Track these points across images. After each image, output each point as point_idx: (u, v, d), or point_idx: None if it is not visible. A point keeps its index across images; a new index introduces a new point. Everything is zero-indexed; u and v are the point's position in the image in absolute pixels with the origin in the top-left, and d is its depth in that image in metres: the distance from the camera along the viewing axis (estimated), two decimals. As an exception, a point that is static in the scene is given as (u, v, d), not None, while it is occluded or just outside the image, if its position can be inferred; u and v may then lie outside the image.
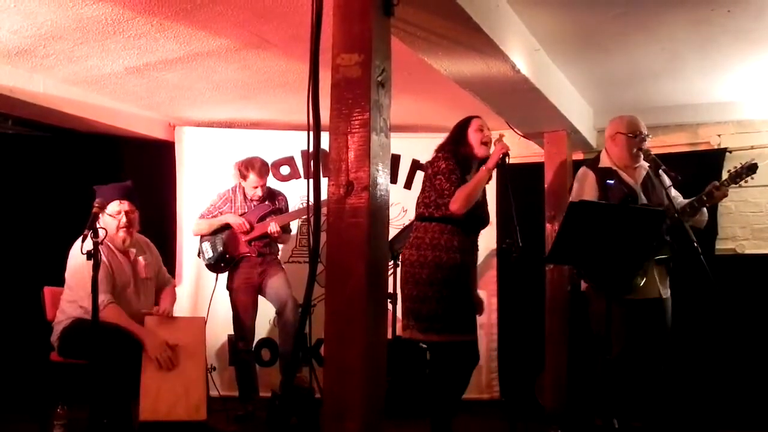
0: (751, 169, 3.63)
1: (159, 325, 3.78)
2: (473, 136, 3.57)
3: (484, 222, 3.66)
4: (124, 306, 3.78)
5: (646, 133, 3.82)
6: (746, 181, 3.67)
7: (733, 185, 3.68)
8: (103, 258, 3.26)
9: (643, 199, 3.75)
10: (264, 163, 4.80)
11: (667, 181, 3.77)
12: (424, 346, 4.82)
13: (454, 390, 3.58)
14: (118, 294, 3.82)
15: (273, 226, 4.67)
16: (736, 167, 3.68)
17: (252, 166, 4.73)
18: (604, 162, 3.89)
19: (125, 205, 3.87)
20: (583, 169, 3.94)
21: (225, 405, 4.51)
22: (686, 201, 3.79)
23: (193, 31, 3.72)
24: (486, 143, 3.57)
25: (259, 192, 4.77)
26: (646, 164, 3.76)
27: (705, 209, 3.81)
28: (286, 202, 5.00)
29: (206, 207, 4.88)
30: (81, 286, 3.70)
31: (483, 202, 3.62)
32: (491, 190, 3.92)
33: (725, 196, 3.70)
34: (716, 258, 4.83)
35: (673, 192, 3.84)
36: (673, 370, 3.88)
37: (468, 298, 3.51)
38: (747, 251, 5.02)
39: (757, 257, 4.96)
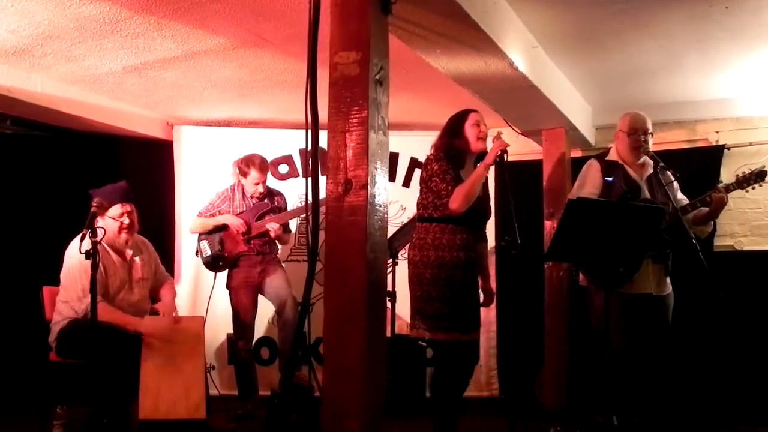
0: (759, 176, 3.62)
1: (158, 324, 3.78)
2: (470, 131, 3.53)
3: (486, 215, 3.65)
4: (118, 307, 3.78)
5: (647, 130, 3.82)
6: (753, 188, 3.67)
7: (739, 190, 3.68)
8: (98, 259, 3.26)
9: (647, 195, 3.77)
10: (264, 159, 4.80)
11: (671, 178, 3.79)
12: (424, 344, 4.85)
13: (458, 388, 3.57)
14: (113, 295, 3.82)
15: (272, 225, 4.66)
16: (744, 172, 3.67)
17: (252, 162, 4.72)
18: (612, 155, 3.94)
19: (127, 207, 3.87)
20: (590, 160, 3.99)
21: (225, 404, 4.51)
22: (685, 200, 3.81)
23: (191, 29, 3.72)
24: (482, 138, 3.54)
25: (260, 188, 4.77)
26: (660, 161, 3.76)
27: (712, 222, 3.82)
28: (285, 201, 5.00)
29: (205, 205, 4.87)
30: (71, 287, 3.72)
31: (484, 196, 3.60)
32: (491, 186, 3.91)
33: (723, 204, 3.66)
34: (715, 255, 4.82)
35: (680, 195, 3.87)
36: (673, 366, 3.89)
37: (473, 295, 3.49)
38: (745, 248, 5.02)
39: (756, 254, 4.96)
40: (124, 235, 3.87)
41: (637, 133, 3.82)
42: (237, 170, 4.87)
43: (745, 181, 3.66)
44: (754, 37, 3.83)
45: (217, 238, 4.73)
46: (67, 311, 3.75)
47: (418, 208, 3.58)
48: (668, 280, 3.84)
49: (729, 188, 3.67)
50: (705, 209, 3.72)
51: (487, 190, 3.67)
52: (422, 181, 3.54)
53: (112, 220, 3.83)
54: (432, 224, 3.46)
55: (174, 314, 4.08)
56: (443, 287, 3.37)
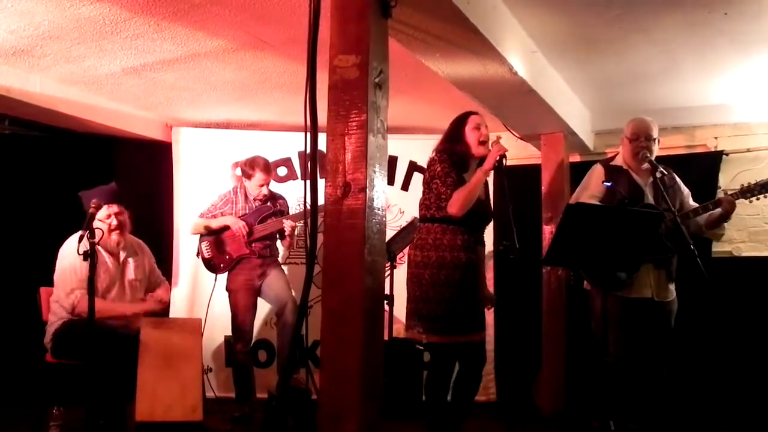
0: (764, 187, 3.63)
1: (156, 327, 3.78)
2: (470, 135, 3.51)
3: (487, 219, 3.64)
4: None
5: (649, 136, 3.83)
6: (758, 198, 3.68)
7: (743, 199, 3.69)
8: (95, 260, 3.26)
9: (650, 200, 3.78)
10: (267, 161, 4.80)
11: (674, 183, 3.85)
12: (421, 347, 4.84)
13: (467, 391, 3.56)
14: (101, 294, 3.81)
15: (289, 222, 4.68)
16: (750, 183, 3.68)
17: (256, 164, 4.72)
18: (617, 160, 3.96)
19: (114, 208, 3.88)
20: (595, 165, 4.02)
21: (221, 406, 4.50)
22: (692, 206, 3.83)
23: (191, 31, 3.72)
24: (484, 142, 3.53)
25: (264, 190, 4.77)
26: (659, 166, 3.77)
27: (725, 224, 3.83)
28: (287, 204, 4.99)
29: (206, 207, 4.86)
30: (60, 285, 3.74)
31: (485, 199, 3.60)
32: (490, 190, 3.92)
33: (734, 208, 3.69)
34: (713, 261, 4.83)
35: (690, 201, 3.91)
36: (672, 372, 3.88)
37: (473, 297, 3.46)
38: (744, 254, 5.02)
39: (754, 260, 4.97)
40: (114, 237, 3.88)
41: (638, 139, 3.83)
42: (240, 173, 4.87)
43: (749, 192, 3.66)
44: (753, 43, 3.84)
45: (218, 240, 4.73)
46: (60, 311, 3.76)
47: (420, 208, 3.57)
48: (672, 286, 3.84)
49: (733, 197, 3.69)
50: (716, 213, 3.72)
51: (488, 192, 3.66)
52: (425, 182, 3.53)
53: (100, 222, 3.83)
54: (434, 224, 3.45)
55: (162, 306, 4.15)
56: (441, 288, 3.36)
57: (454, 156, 3.49)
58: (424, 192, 3.53)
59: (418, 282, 3.43)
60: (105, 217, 3.85)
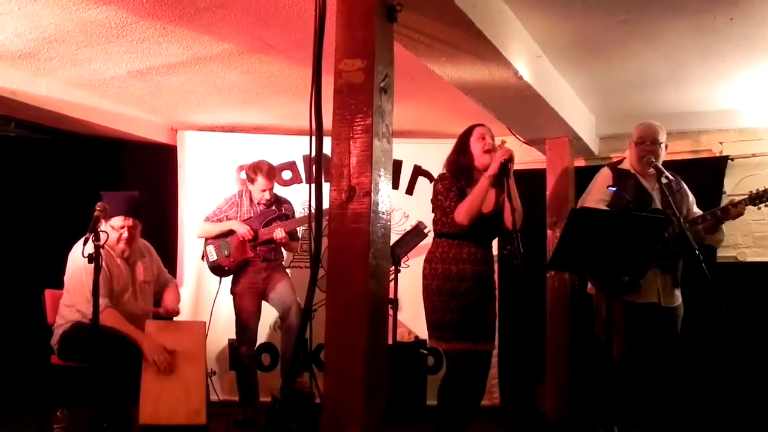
0: None
1: (160, 329, 3.78)
2: (474, 146, 3.57)
3: (495, 231, 3.63)
4: (123, 310, 3.78)
5: (655, 140, 3.82)
6: (766, 205, 3.67)
7: (752, 206, 3.69)
8: (102, 262, 3.26)
9: (658, 205, 3.78)
10: (271, 166, 4.81)
11: (679, 188, 3.86)
12: (425, 351, 4.86)
13: (469, 398, 3.57)
14: (116, 298, 3.82)
15: (279, 232, 4.67)
16: (758, 189, 3.68)
17: (260, 169, 4.73)
18: (625, 164, 3.97)
19: (129, 222, 3.86)
20: (602, 168, 4.03)
21: (225, 409, 4.50)
22: (699, 213, 3.82)
23: (196, 35, 3.73)
24: (488, 151, 3.54)
25: (267, 195, 4.78)
26: (665, 171, 3.76)
27: (723, 228, 3.83)
28: (292, 209, 5.00)
29: (212, 210, 4.87)
30: (79, 290, 3.71)
31: (496, 213, 3.58)
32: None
33: (741, 214, 3.70)
34: (718, 265, 4.81)
35: (695, 208, 3.92)
36: (677, 378, 3.87)
37: (482, 307, 3.50)
38: (748, 259, 5.01)
39: (759, 265, 4.95)
40: (121, 245, 3.88)
41: (644, 143, 3.83)
42: (244, 176, 4.89)
43: (758, 198, 3.67)
44: (759, 49, 3.84)
45: (224, 243, 4.74)
46: (71, 315, 3.75)
47: (431, 225, 3.68)
48: (677, 291, 3.84)
49: (741, 203, 3.68)
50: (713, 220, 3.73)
51: (509, 203, 3.43)
52: (432, 201, 3.64)
53: (112, 229, 3.83)
54: (441, 239, 3.55)
55: (174, 315, 4.11)
56: (447, 297, 3.44)
57: (458, 169, 3.57)
58: (432, 209, 3.63)
59: (427, 293, 3.52)
60: (119, 227, 3.85)
